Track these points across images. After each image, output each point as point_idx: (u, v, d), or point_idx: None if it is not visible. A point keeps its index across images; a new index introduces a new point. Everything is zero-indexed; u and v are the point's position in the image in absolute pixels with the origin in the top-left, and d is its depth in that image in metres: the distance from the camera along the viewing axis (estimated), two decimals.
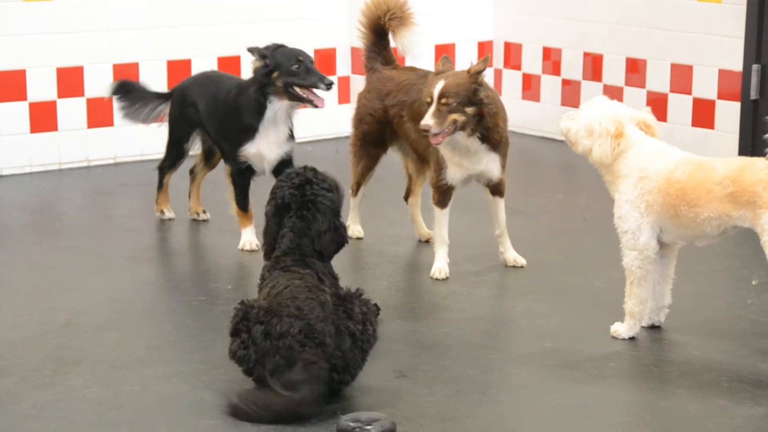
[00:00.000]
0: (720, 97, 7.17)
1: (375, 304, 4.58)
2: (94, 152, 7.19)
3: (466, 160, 5.33)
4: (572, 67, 7.86)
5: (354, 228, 5.87)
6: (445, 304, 5.11)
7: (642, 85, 7.52)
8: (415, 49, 5.96)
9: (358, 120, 5.82)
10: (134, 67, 7.27)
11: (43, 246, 5.86)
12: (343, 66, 7.91)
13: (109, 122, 7.21)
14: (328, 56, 7.81)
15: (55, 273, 5.46)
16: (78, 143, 7.16)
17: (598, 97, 4.79)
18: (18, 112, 6.98)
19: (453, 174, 5.34)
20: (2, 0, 6.86)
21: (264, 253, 4.52)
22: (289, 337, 4.11)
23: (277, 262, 4.40)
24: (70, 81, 7.09)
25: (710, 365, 4.49)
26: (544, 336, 4.76)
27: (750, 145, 7.06)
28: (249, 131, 5.64)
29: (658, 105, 7.44)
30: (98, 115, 7.18)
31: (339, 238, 4.47)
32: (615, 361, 4.53)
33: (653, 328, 4.81)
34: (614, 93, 7.63)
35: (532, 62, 8.08)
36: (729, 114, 7.12)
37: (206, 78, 6.04)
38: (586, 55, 7.80)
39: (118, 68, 7.18)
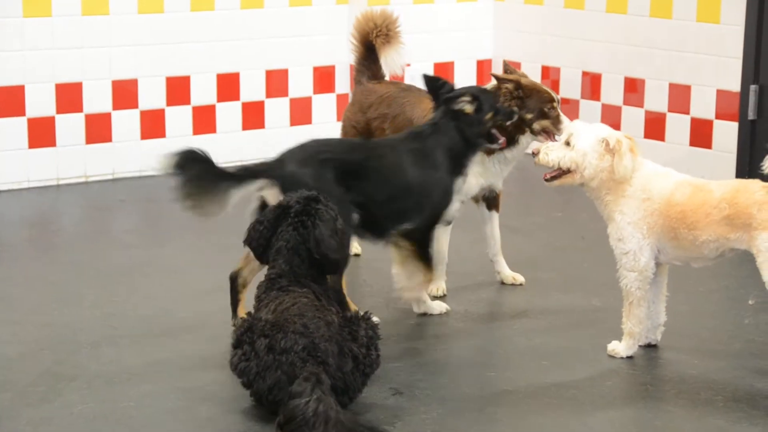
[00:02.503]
0: (718, 117, 7.19)
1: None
2: (93, 168, 7.20)
3: (491, 172, 5.33)
4: (571, 86, 7.87)
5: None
6: (442, 322, 5.11)
7: (640, 105, 7.53)
8: (398, 67, 5.91)
9: (343, 133, 5.83)
10: (134, 83, 7.28)
11: (41, 261, 5.86)
12: (342, 83, 7.92)
13: (108, 138, 7.22)
14: (327, 73, 7.82)
15: (53, 288, 5.46)
16: (76, 159, 7.16)
17: (577, 122, 4.75)
18: (16, 127, 6.98)
19: (469, 187, 5.26)
20: (2, 16, 6.87)
21: (254, 253, 4.48)
22: (292, 353, 4.10)
23: (273, 283, 4.39)
24: (68, 97, 7.10)
25: (706, 384, 4.49)
26: (541, 354, 4.76)
27: (747, 165, 7.06)
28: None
29: (656, 124, 7.45)
30: (96, 131, 7.18)
31: (343, 244, 4.45)
32: (612, 380, 4.53)
33: (650, 346, 4.81)
34: (613, 112, 7.65)
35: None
36: (727, 134, 7.13)
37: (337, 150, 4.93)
38: (584, 74, 7.82)
39: (117, 84, 7.19)
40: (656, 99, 7.45)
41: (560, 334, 4.97)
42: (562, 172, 4.64)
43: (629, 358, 4.71)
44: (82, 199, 6.93)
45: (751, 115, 7.04)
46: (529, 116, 5.31)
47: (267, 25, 7.58)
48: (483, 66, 8.28)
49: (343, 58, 7.85)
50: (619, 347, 4.71)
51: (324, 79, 7.80)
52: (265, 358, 4.12)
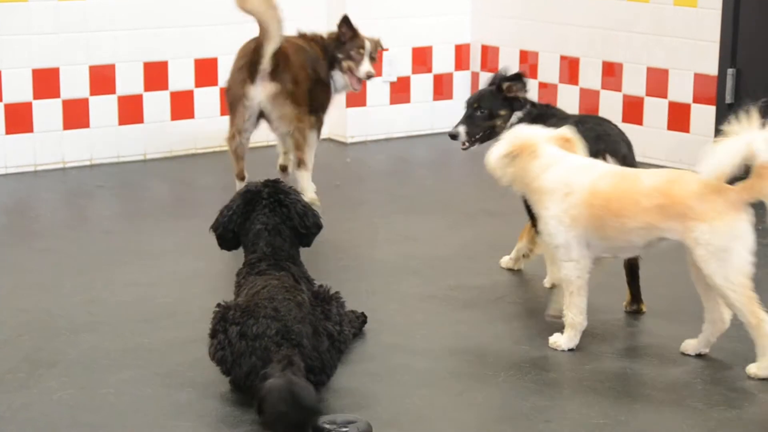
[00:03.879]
0: (695, 101, 7.21)
1: (362, 313, 4.62)
2: (70, 154, 7.17)
3: None
4: (549, 71, 7.88)
5: None
6: (423, 308, 5.11)
7: (618, 89, 7.55)
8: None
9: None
10: (111, 68, 7.25)
11: (19, 248, 5.84)
12: None
13: (85, 124, 7.19)
14: None
15: (31, 275, 5.44)
16: (53, 145, 7.14)
17: (516, 128, 4.81)
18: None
19: None
20: None
21: (218, 240, 4.53)
22: (265, 338, 4.11)
23: (252, 268, 4.42)
24: (45, 82, 7.07)
25: (686, 370, 4.51)
26: (520, 340, 4.77)
27: None
28: None
29: (634, 108, 7.47)
30: (74, 117, 7.15)
31: (317, 219, 4.55)
32: (591, 364, 4.54)
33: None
34: (591, 96, 7.67)
35: (510, 65, 8.07)
36: (705, 118, 7.16)
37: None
38: (563, 58, 7.82)
39: (94, 69, 7.16)
40: (634, 83, 7.47)
41: (540, 318, 4.98)
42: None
43: (606, 343, 4.73)
44: (60, 185, 6.91)
45: (728, 98, 7.06)
46: (339, 55, 6.57)
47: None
48: (461, 50, 8.28)
49: None
50: (561, 340, 4.69)
51: None
52: (239, 345, 4.13)
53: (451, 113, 8.15)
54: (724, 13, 7.03)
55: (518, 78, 5.40)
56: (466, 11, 8.25)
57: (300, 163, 6.48)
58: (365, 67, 6.64)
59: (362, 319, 4.76)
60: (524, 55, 8.01)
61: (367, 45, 6.70)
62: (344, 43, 6.66)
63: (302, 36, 6.75)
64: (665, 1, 7.28)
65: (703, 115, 7.16)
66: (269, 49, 6.22)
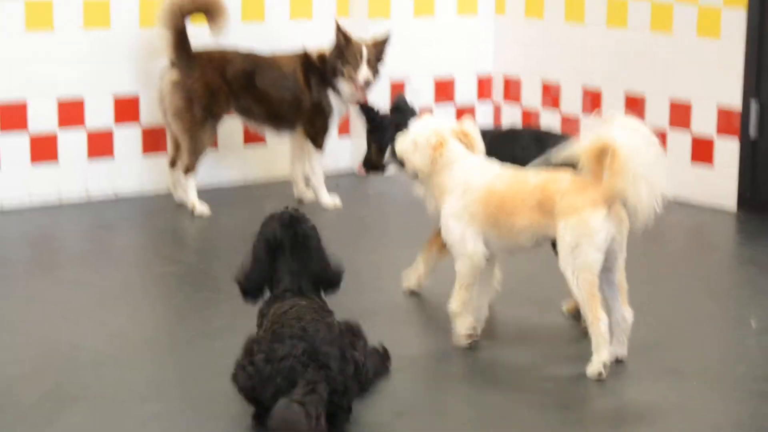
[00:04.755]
0: (719, 132, 7.19)
1: (385, 349, 4.61)
2: (94, 185, 7.19)
3: None
4: (571, 101, 7.88)
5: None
6: (444, 339, 5.10)
7: (641, 120, 7.52)
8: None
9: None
10: (135, 100, 7.27)
11: (43, 280, 5.85)
12: None
13: (110, 155, 7.21)
14: None
15: (55, 307, 5.45)
16: (78, 176, 7.15)
17: (424, 117, 5.01)
18: (18, 144, 6.98)
19: None
20: (3, 30, 6.87)
21: (243, 292, 4.51)
22: (291, 358, 4.07)
23: (277, 298, 4.41)
24: (71, 113, 7.09)
25: (710, 408, 4.49)
26: (543, 377, 4.76)
27: (749, 180, 7.07)
28: None
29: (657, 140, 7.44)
30: (98, 148, 7.17)
31: (337, 272, 4.52)
32: (606, 399, 4.52)
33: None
34: None
35: (532, 96, 8.10)
36: (728, 150, 7.13)
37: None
38: (585, 89, 7.82)
39: (118, 100, 7.19)
40: (656, 114, 7.45)
41: (569, 351, 4.97)
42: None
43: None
44: (84, 216, 6.92)
45: (752, 130, 7.04)
46: (339, 63, 6.79)
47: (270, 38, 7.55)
48: (483, 81, 8.29)
49: None
50: (455, 330, 4.91)
51: None
52: (265, 370, 4.11)
53: None
54: (747, 44, 7.02)
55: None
56: (488, 42, 8.26)
57: (186, 169, 6.82)
58: (363, 73, 6.75)
59: (386, 355, 4.74)
60: (546, 87, 8.01)
61: (364, 50, 6.76)
62: (342, 51, 6.80)
63: (299, 55, 6.92)
64: (688, 32, 7.27)
65: (727, 147, 7.14)
66: (169, 38, 6.75)
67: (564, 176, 4.62)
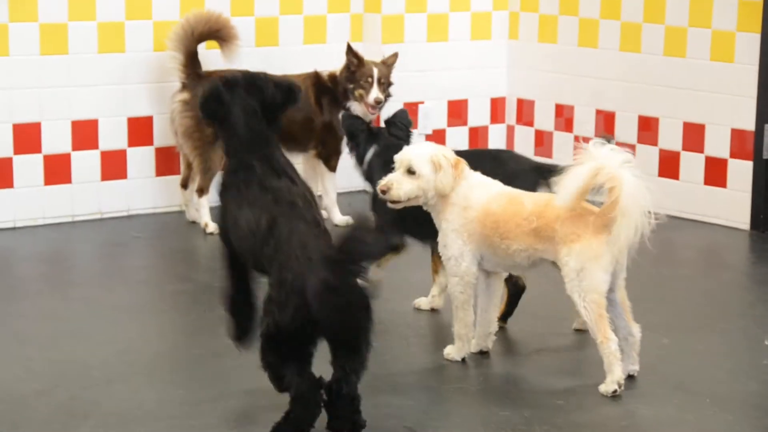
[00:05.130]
0: (732, 156, 7.18)
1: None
2: (107, 204, 7.21)
3: None
4: (585, 124, 7.89)
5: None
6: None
7: (654, 143, 7.53)
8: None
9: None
10: (148, 120, 7.31)
11: (56, 297, 5.87)
12: None
13: (122, 175, 7.24)
14: None
15: (68, 324, 5.46)
16: (91, 195, 7.18)
17: (407, 150, 4.90)
18: (33, 164, 7.01)
19: None
20: (19, 53, 6.92)
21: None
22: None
23: (241, 173, 4.46)
24: (83, 133, 7.13)
25: (725, 427, 4.47)
26: (555, 393, 4.74)
27: (763, 203, 7.06)
28: None
29: (670, 163, 7.45)
30: (111, 168, 7.20)
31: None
32: (626, 421, 4.50)
33: (482, 353, 5.03)
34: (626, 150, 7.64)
35: (545, 119, 8.11)
36: (741, 173, 7.13)
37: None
38: (598, 112, 7.83)
39: (132, 121, 7.22)
40: (670, 137, 7.45)
41: (582, 367, 4.95)
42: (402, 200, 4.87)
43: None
44: (97, 235, 6.94)
45: (765, 154, 7.04)
46: (351, 85, 6.82)
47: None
48: (497, 104, 8.30)
49: None
50: (452, 351, 4.95)
51: None
52: (279, 297, 4.08)
53: None
54: (761, 67, 7.02)
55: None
56: (502, 65, 8.28)
57: (200, 189, 6.90)
58: (373, 93, 6.79)
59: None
60: (560, 109, 8.02)
61: (375, 71, 6.79)
62: (354, 72, 6.77)
63: (310, 76, 6.98)
64: (702, 56, 7.27)
65: (740, 170, 7.14)
66: (180, 60, 6.86)
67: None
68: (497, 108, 8.30)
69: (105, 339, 5.28)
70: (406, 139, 5.62)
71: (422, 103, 8.00)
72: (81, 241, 6.87)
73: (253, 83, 4.57)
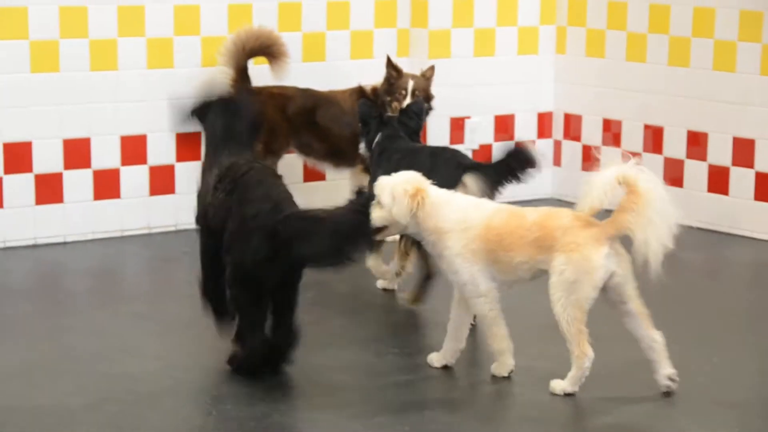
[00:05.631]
0: None
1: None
2: (156, 219, 7.26)
3: None
4: (633, 139, 7.85)
5: None
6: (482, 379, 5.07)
7: (703, 158, 7.49)
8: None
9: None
10: (196, 136, 7.33)
11: (106, 312, 5.90)
12: None
13: (171, 190, 7.28)
14: None
15: (116, 339, 5.49)
16: (140, 210, 7.22)
17: (382, 179, 4.91)
18: (82, 180, 7.07)
19: None
20: (69, 69, 6.98)
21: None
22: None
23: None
24: (132, 149, 7.18)
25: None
26: (600, 408, 4.71)
27: None
28: None
29: (719, 178, 7.40)
30: (160, 183, 7.25)
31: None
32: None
33: (446, 368, 5.03)
34: (675, 165, 7.61)
35: (592, 134, 8.08)
36: None
37: None
38: (646, 127, 7.79)
39: (179, 137, 7.26)
40: (720, 153, 7.40)
41: (621, 387, 4.92)
42: (384, 227, 4.84)
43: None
44: (146, 250, 6.98)
45: None
46: (388, 98, 6.82)
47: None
48: (544, 119, 8.28)
49: None
50: (498, 367, 4.96)
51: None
52: (242, 230, 4.70)
53: (534, 181, 8.13)
54: None
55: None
56: (549, 79, 8.26)
57: None
58: (406, 104, 6.79)
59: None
60: (607, 123, 7.99)
61: (410, 83, 6.83)
62: (392, 85, 6.87)
63: (354, 90, 7.06)
64: (752, 71, 7.22)
65: None
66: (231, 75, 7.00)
67: (564, 213, 4.71)
68: (544, 123, 8.27)
69: (153, 354, 5.31)
70: (417, 129, 5.95)
71: (469, 118, 7.99)
72: (130, 255, 6.92)
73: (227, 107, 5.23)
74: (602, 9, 7.93)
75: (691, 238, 7.18)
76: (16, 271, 6.57)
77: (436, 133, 7.76)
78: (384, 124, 5.99)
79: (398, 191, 4.78)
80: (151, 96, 7.20)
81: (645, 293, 6.18)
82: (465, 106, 7.92)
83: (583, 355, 4.67)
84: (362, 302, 5.58)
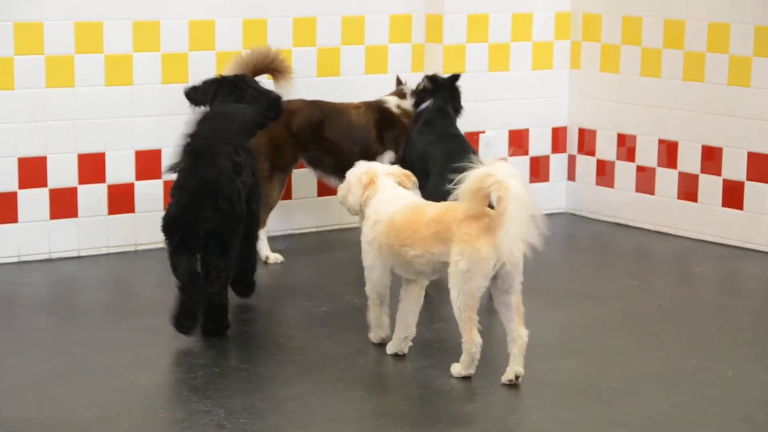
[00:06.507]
0: None
1: None
2: None
3: None
4: (647, 154, 7.84)
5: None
6: (503, 388, 5.07)
7: (718, 173, 7.47)
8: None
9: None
10: None
11: (118, 326, 5.91)
12: None
13: None
14: None
15: (129, 353, 5.50)
16: (154, 225, 7.22)
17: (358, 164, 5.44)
18: (96, 194, 7.09)
19: None
20: (83, 84, 7.00)
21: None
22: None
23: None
24: (146, 163, 7.20)
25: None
26: (615, 420, 4.70)
27: None
28: None
29: (734, 193, 7.38)
30: None
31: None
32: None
33: (397, 356, 5.32)
34: (690, 180, 7.60)
35: (607, 148, 8.07)
36: None
37: None
38: (661, 141, 7.78)
39: None
40: (734, 167, 7.39)
41: (635, 401, 4.91)
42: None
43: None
44: (159, 264, 6.97)
45: None
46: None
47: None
48: (558, 133, 8.28)
49: None
50: (370, 336, 5.45)
51: None
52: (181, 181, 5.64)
53: (548, 195, 8.14)
54: None
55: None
56: (563, 94, 8.26)
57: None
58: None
59: None
60: (622, 138, 7.98)
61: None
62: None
63: (369, 104, 7.11)
64: (767, 86, 7.21)
65: None
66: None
67: (459, 207, 4.94)
68: (558, 137, 8.27)
69: (166, 367, 5.31)
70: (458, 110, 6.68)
71: (483, 132, 8.00)
72: (144, 270, 6.93)
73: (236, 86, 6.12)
74: (617, 24, 7.93)
75: (705, 252, 7.22)
76: (30, 284, 6.59)
77: None
78: (436, 95, 6.60)
79: (354, 180, 5.30)
80: (166, 111, 7.22)
81: (660, 308, 6.19)
82: (479, 120, 7.92)
83: (471, 341, 4.96)
84: None
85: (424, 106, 6.61)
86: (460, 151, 6.03)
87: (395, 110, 7.04)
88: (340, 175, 7.10)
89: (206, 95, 6.24)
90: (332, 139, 6.96)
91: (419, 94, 6.67)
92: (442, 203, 5.14)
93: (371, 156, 6.99)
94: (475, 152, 6.15)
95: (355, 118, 7.02)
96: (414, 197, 5.29)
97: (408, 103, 6.94)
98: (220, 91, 6.17)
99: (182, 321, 5.53)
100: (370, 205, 5.24)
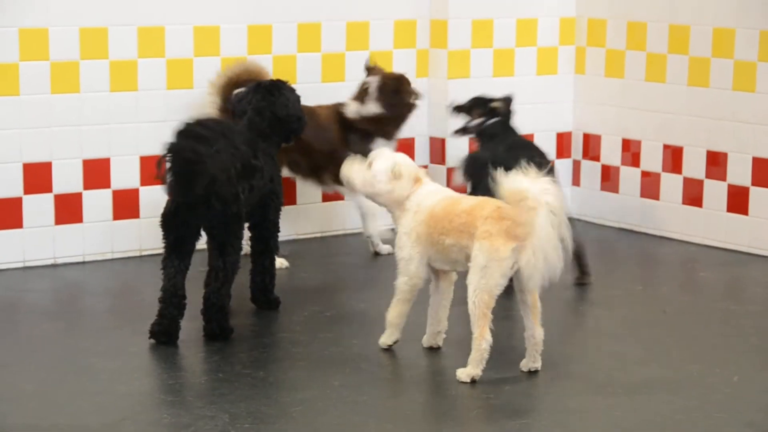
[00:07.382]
0: None
1: None
2: None
3: None
4: (652, 159, 7.84)
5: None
6: (521, 391, 5.06)
7: (723, 178, 7.47)
8: None
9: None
10: None
11: (123, 331, 5.91)
12: (422, 155, 8.00)
13: None
14: (406, 145, 7.85)
15: (134, 358, 5.50)
16: (158, 230, 7.22)
17: (384, 149, 5.51)
18: (101, 200, 7.10)
19: None
20: (88, 90, 7.01)
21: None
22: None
23: None
24: (151, 169, 7.20)
25: None
26: (620, 425, 4.70)
27: None
28: None
29: (739, 198, 7.38)
30: None
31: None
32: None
33: (432, 349, 5.44)
34: (694, 185, 7.59)
35: (612, 153, 8.07)
36: None
37: None
38: (666, 147, 7.78)
39: None
40: (739, 172, 7.38)
41: (640, 406, 4.91)
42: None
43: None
44: None
45: None
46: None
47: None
48: (563, 139, 8.28)
49: (423, 129, 7.94)
50: (382, 337, 5.46)
51: (404, 151, 7.82)
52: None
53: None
54: None
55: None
56: (568, 99, 8.26)
57: None
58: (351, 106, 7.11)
59: None
60: (626, 143, 7.98)
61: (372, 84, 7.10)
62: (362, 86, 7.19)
63: (333, 106, 7.17)
64: None
65: None
66: (218, 104, 7.01)
67: (489, 203, 5.09)
68: (563, 143, 8.27)
69: (171, 373, 5.31)
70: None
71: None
72: (148, 275, 6.92)
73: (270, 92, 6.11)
74: (621, 29, 7.94)
75: (710, 257, 7.21)
76: (35, 290, 6.60)
77: (455, 153, 7.76)
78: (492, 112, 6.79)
79: (405, 172, 5.30)
80: (171, 116, 7.21)
81: (665, 314, 6.19)
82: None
83: (482, 338, 5.02)
84: (381, 319, 5.57)
85: (490, 122, 6.79)
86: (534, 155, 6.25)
87: (353, 116, 7.07)
88: (314, 177, 7.11)
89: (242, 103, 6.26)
90: (306, 140, 6.93)
91: (491, 112, 6.83)
92: (478, 197, 5.25)
93: (338, 158, 6.96)
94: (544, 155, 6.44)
95: (322, 120, 7.05)
96: (450, 191, 5.39)
97: (369, 109, 6.98)
98: (254, 96, 6.15)
99: (157, 334, 5.63)
100: (412, 198, 5.31)
